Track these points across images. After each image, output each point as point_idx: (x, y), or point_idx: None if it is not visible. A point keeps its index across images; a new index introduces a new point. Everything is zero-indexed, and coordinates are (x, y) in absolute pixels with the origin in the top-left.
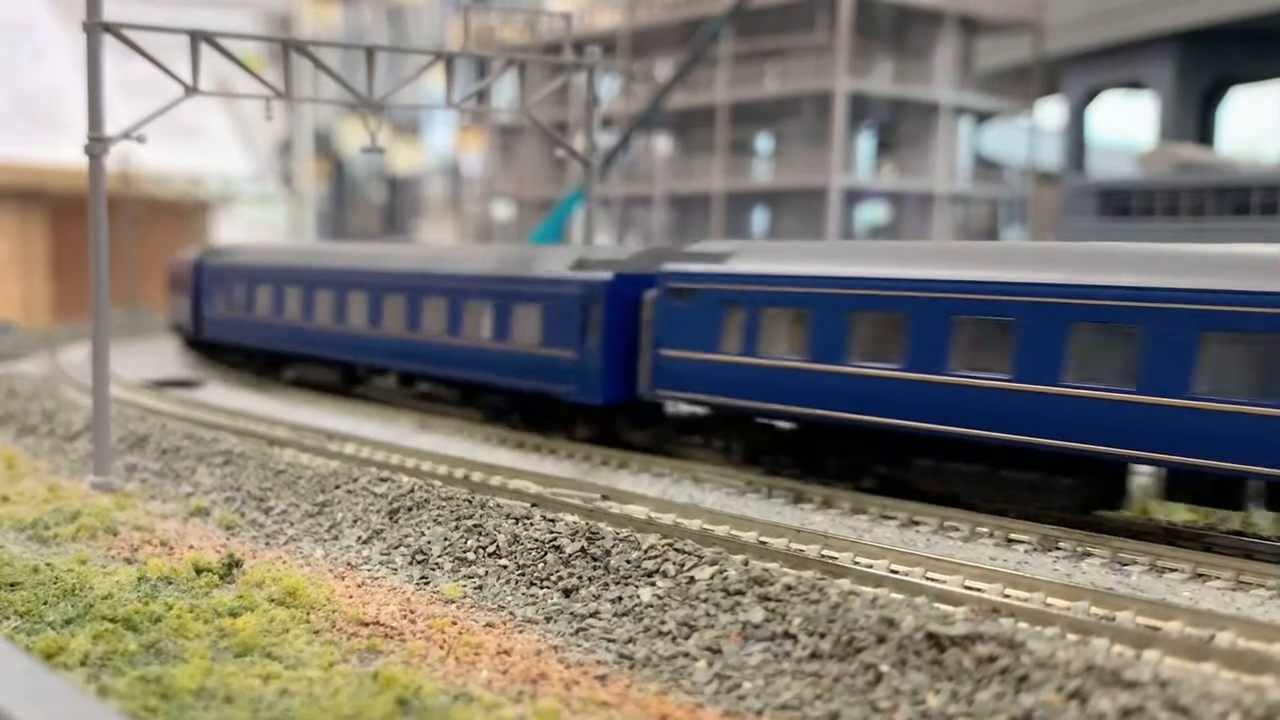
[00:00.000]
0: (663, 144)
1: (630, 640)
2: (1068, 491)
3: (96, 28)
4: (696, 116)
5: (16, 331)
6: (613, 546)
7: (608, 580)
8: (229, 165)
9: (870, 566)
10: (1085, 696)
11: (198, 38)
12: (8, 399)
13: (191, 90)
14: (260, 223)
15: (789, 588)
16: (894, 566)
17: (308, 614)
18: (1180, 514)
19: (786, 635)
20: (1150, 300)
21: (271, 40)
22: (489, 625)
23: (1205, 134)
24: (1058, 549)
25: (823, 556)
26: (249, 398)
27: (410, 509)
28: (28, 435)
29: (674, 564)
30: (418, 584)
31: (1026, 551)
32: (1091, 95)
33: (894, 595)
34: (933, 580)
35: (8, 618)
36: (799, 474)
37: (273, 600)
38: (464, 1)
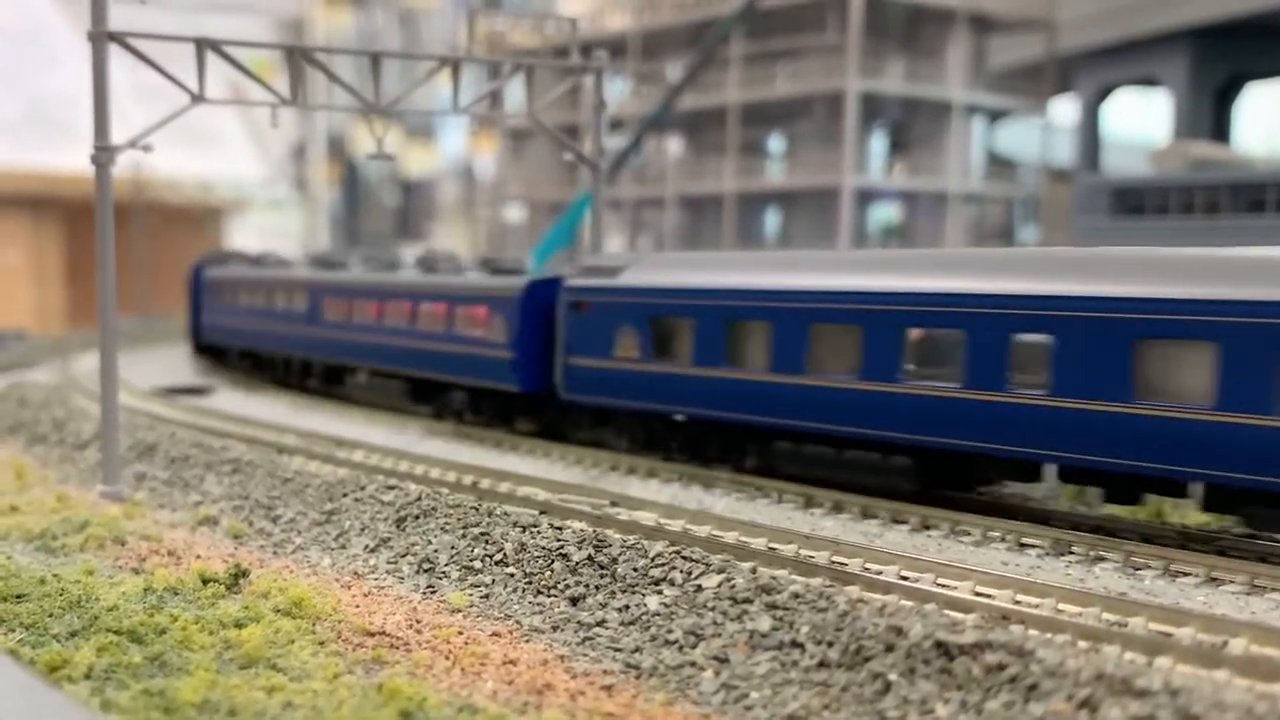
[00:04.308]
0: (674, 145)
1: (637, 649)
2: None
3: (102, 37)
4: (708, 118)
5: (29, 339)
6: (620, 554)
7: (615, 588)
8: (242, 170)
9: (880, 573)
10: (1095, 705)
11: (204, 46)
12: (18, 408)
13: (198, 99)
14: (273, 229)
15: (797, 596)
16: (904, 573)
17: (313, 624)
18: (1194, 517)
19: (794, 644)
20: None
21: (277, 47)
22: (495, 634)
23: (1220, 130)
24: (1070, 553)
25: (832, 563)
26: (258, 405)
27: (417, 517)
28: (38, 444)
29: (681, 572)
30: (424, 593)
31: (1039, 556)
32: (1105, 93)
33: (903, 602)
34: (943, 587)
35: (13, 630)
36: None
37: (278, 611)
38: (472, 5)
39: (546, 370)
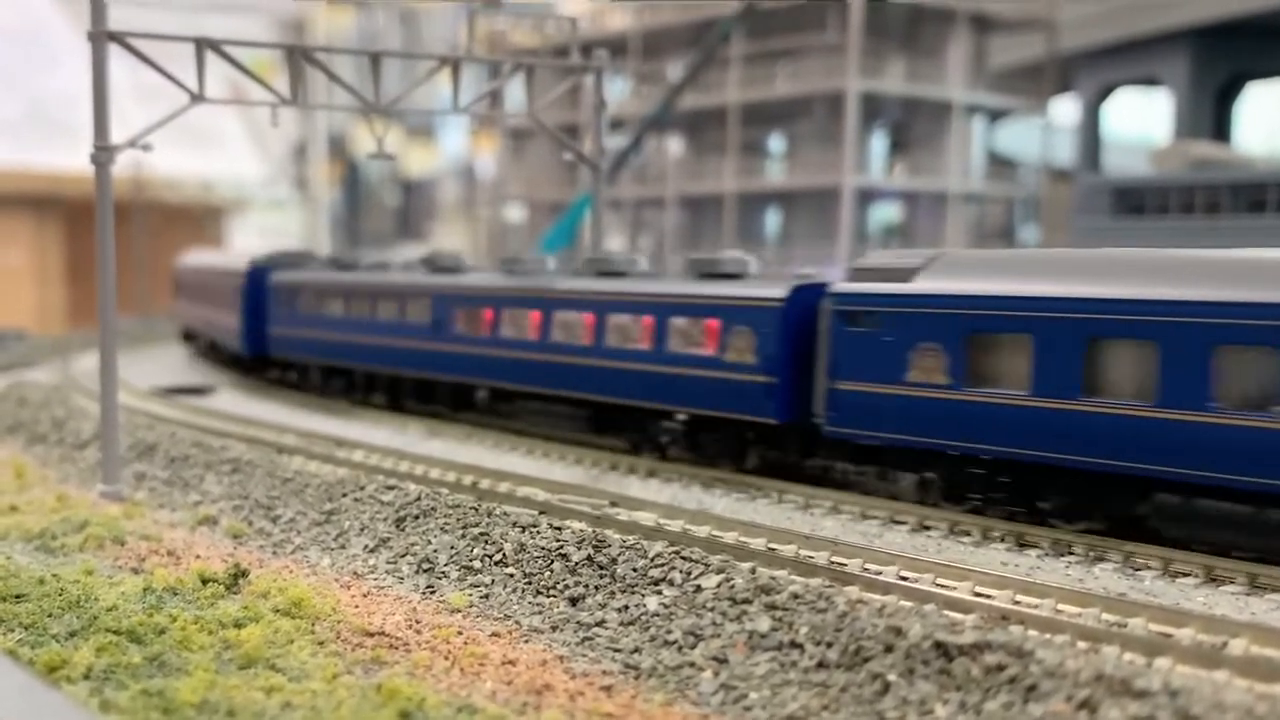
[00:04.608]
0: (674, 145)
1: (636, 650)
2: None
3: (101, 36)
4: (708, 117)
5: (30, 339)
6: (619, 554)
7: (614, 589)
8: (242, 170)
9: (879, 573)
10: (1094, 706)
11: (203, 46)
12: (18, 407)
13: (197, 99)
14: (273, 229)
15: (796, 596)
16: (903, 573)
17: (313, 625)
18: None
19: (793, 644)
20: None
21: (277, 47)
22: (494, 635)
23: (1221, 130)
24: (1070, 554)
25: (831, 563)
26: (258, 405)
27: (417, 517)
28: (38, 444)
29: (680, 572)
30: (424, 593)
31: (1039, 556)
32: (1106, 92)
33: (903, 603)
34: (942, 587)
35: (12, 630)
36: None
37: (278, 611)
38: (472, 6)
39: (804, 397)
